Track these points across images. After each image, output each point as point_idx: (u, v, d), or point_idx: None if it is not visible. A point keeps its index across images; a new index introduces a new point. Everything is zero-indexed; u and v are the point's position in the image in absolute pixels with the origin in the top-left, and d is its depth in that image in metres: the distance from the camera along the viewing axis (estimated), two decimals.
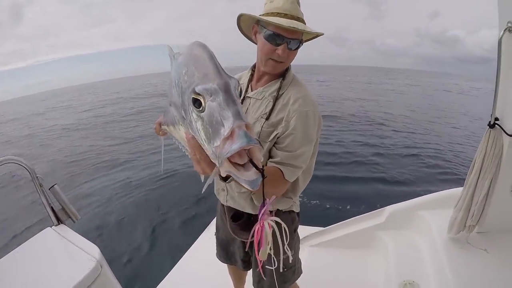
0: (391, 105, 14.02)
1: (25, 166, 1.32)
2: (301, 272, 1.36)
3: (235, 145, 0.45)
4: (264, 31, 0.94)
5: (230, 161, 0.48)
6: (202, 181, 0.72)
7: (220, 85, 0.48)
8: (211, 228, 2.30)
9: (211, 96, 0.48)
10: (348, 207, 3.82)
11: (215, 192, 1.29)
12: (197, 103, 0.50)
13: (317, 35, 1.02)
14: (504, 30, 1.17)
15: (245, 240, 1.24)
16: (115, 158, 6.54)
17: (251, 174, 0.48)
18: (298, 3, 0.96)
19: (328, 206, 3.86)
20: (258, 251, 0.70)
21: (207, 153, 0.54)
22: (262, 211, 0.67)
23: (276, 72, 1.04)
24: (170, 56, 0.81)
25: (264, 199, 0.66)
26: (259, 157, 0.51)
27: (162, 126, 1.01)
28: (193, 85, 0.50)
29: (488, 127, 1.30)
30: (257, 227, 0.69)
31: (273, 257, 0.79)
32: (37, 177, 1.33)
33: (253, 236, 0.70)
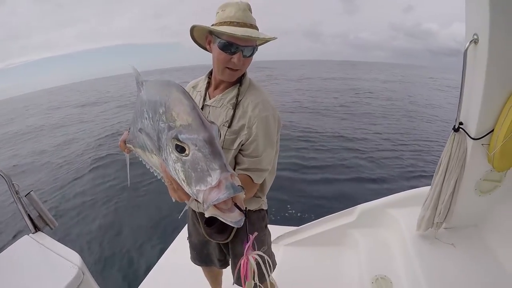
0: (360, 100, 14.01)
1: (0, 173, 1.29)
2: (276, 264, 1.42)
3: (222, 195, 0.50)
4: (218, 41, 0.95)
5: (215, 205, 0.53)
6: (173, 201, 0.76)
7: (206, 138, 0.53)
8: (184, 233, 2.33)
9: (196, 146, 0.53)
10: (320, 206, 3.92)
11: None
12: (179, 148, 0.54)
13: (270, 39, 1.04)
14: (470, 42, 1.23)
15: (221, 242, 1.30)
16: (90, 163, 6.35)
17: (236, 215, 0.53)
18: (250, 10, 0.97)
19: (300, 206, 3.98)
20: (245, 283, 0.76)
21: (184, 189, 0.58)
22: (247, 246, 0.74)
23: (233, 79, 1.06)
24: (137, 80, 0.85)
25: (247, 235, 0.72)
26: (242, 198, 0.56)
27: (127, 144, 1.05)
28: (175, 132, 0.54)
29: (453, 130, 1.39)
30: (243, 260, 0.74)
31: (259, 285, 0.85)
32: (13, 184, 1.31)
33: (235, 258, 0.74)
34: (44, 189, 5.07)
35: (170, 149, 0.56)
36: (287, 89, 18.47)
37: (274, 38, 1.03)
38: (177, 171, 0.56)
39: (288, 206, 3.91)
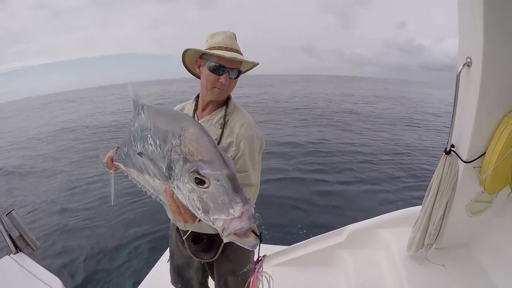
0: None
1: None
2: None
3: (245, 225, 0.57)
4: (208, 63, 1.05)
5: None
6: (172, 220, 0.86)
7: (229, 175, 0.59)
8: (165, 257, 2.29)
9: (218, 181, 0.59)
10: (310, 226, 3.85)
11: (171, 219, 1.31)
12: (198, 180, 0.60)
13: (254, 65, 1.14)
14: (463, 65, 1.21)
15: (208, 260, 1.30)
16: (75, 179, 6.11)
17: (252, 240, 0.60)
18: (235, 38, 1.09)
19: (291, 226, 3.92)
20: None
21: (196, 215, 0.64)
22: (258, 267, 0.83)
23: (221, 99, 1.14)
24: (136, 103, 0.90)
25: (259, 257, 0.80)
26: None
27: (115, 162, 1.12)
28: (195, 166, 0.60)
29: (444, 153, 1.37)
30: (252, 278, 0.84)
31: None
32: None
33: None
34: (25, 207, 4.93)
35: (186, 180, 0.61)
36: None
37: (257, 64, 1.15)
38: (192, 199, 0.62)
39: (277, 224, 3.85)
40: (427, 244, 1.50)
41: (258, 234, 0.61)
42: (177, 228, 1.32)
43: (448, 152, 1.36)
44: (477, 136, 1.30)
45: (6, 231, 1.28)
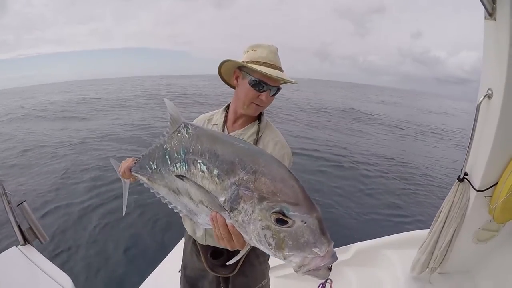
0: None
1: None
2: None
3: (328, 261, 0.58)
4: (249, 78, 1.01)
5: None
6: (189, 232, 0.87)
7: (319, 218, 0.60)
8: (172, 256, 2.20)
9: (305, 223, 0.59)
10: None
11: (189, 231, 1.28)
12: (279, 220, 0.59)
13: (291, 82, 1.11)
14: (484, 96, 1.23)
15: (226, 276, 1.27)
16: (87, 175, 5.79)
17: (325, 272, 0.60)
18: (277, 54, 1.05)
19: None
20: None
21: (262, 248, 0.63)
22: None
23: (256, 114, 1.11)
24: (175, 119, 0.83)
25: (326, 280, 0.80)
26: None
27: (134, 174, 1.04)
28: (278, 206, 0.59)
29: (457, 180, 1.38)
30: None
31: None
32: (5, 193, 1.27)
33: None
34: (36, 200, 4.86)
35: (261, 218, 0.60)
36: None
37: (296, 82, 1.11)
38: (263, 235, 0.61)
39: None
40: (432, 267, 1.51)
41: (330, 267, 0.62)
42: (194, 240, 1.29)
43: (461, 180, 1.37)
44: (491, 166, 1.31)
45: (16, 222, 1.27)
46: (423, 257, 1.51)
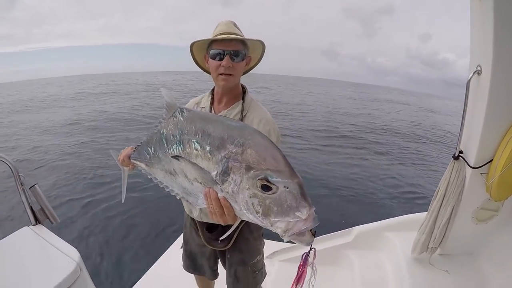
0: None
1: (8, 163, 1.33)
2: (266, 274, 1.49)
3: (310, 225, 0.62)
4: (209, 52, 1.08)
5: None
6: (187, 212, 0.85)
7: (299, 183, 0.64)
8: (178, 243, 2.34)
9: (287, 188, 0.62)
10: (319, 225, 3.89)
11: (187, 211, 1.37)
12: (263, 186, 0.63)
13: (260, 45, 1.13)
14: (473, 73, 1.27)
15: (221, 249, 1.35)
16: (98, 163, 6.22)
17: (308, 238, 0.65)
18: (235, 25, 1.11)
19: None
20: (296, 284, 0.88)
21: (252, 217, 0.67)
22: (309, 259, 0.88)
23: (229, 86, 1.13)
24: (170, 105, 0.87)
25: (310, 249, 0.83)
26: None
27: (133, 161, 1.09)
28: (262, 174, 0.63)
29: (452, 158, 1.41)
30: (302, 269, 0.88)
31: None
32: (19, 175, 1.34)
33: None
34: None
35: (248, 186, 0.64)
36: None
37: (257, 41, 1.12)
38: (251, 204, 0.65)
39: None
40: (432, 247, 1.52)
41: (314, 232, 0.65)
42: (192, 218, 1.37)
43: (456, 158, 1.39)
44: (485, 143, 1.33)
45: (28, 203, 1.34)
46: (423, 237, 1.52)
